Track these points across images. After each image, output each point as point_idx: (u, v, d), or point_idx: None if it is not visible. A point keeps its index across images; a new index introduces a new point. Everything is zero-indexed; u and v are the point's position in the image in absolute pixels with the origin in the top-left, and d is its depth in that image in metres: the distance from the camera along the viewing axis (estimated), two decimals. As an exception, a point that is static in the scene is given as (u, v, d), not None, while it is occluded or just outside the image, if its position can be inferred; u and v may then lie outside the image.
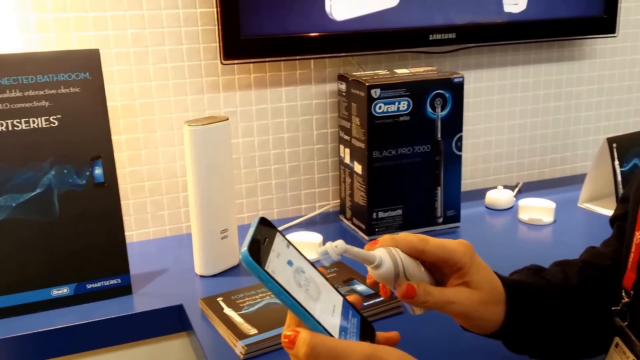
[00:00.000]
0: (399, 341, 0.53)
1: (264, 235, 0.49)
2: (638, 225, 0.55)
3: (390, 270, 0.54)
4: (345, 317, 0.51)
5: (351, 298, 0.54)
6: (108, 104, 0.88)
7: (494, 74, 1.36)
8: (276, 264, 0.47)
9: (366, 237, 1.13)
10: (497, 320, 0.59)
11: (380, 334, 0.53)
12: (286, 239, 0.51)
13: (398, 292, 0.55)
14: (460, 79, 1.10)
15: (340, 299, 0.53)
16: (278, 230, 0.51)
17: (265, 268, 0.46)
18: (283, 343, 0.48)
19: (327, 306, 0.50)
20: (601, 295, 0.62)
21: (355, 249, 0.52)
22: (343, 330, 0.50)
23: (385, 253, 0.54)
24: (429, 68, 1.17)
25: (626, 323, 0.55)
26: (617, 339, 0.56)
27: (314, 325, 0.48)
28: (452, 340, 0.78)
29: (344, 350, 0.47)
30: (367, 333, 0.52)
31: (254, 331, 0.81)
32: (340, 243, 0.51)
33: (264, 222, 0.50)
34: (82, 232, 0.90)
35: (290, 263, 0.49)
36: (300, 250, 0.53)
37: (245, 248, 0.45)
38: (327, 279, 0.53)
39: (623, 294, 0.57)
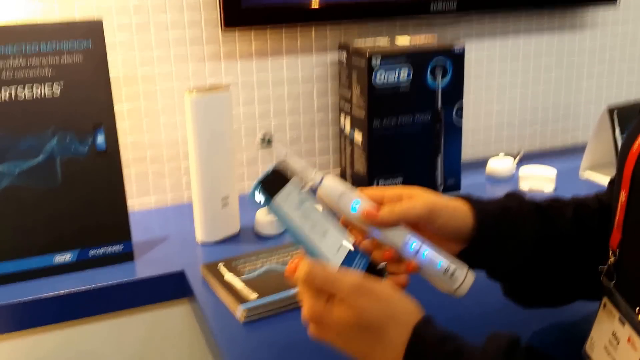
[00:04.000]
0: (407, 285, 0.56)
1: (277, 175, 0.54)
2: (623, 184, 0.55)
3: (334, 195, 0.58)
4: (352, 257, 0.54)
5: (364, 244, 0.58)
6: (110, 74, 0.89)
7: (495, 44, 1.36)
8: (286, 200, 0.52)
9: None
10: (467, 218, 0.61)
11: (389, 279, 0.56)
12: (303, 184, 0.56)
13: (361, 215, 0.59)
14: (461, 49, 1.10)
15: (350, 242, 0.56)
16: (293, 177, 0.55)
17: (275, 199, 0.50)
18: (287, 272, 0.53)
19: (334, 244, 0.54)
20: (589, 229, 0.64)
21: (297, 161, 0.57)
22: (346, 265, 0.53)
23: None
24: (430, 37, 1.17)
25: (613, 283, 0.56)
26: (605, 300, 0.57)
27: (315, 254, 0.52)
28: (448, 307, 0.80)
29: (339, 274, 0.51)
30: (374, 275, 0.55)
31: (254, 295, 0.82)
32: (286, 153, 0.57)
33: (279, 167, 0.54)
34: (85, 199, 0.91)
35: (301, 202, 0.53)
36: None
37: (257, 180, 0.50)
38: (341, 223, 0.57)
39: (610, 253, 0.58)
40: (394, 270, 0.61)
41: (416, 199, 0.61)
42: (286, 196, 0.52)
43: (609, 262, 0.57)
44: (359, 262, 0.55)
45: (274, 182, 0.53)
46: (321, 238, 0.53)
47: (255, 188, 0.50)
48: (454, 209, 0.62)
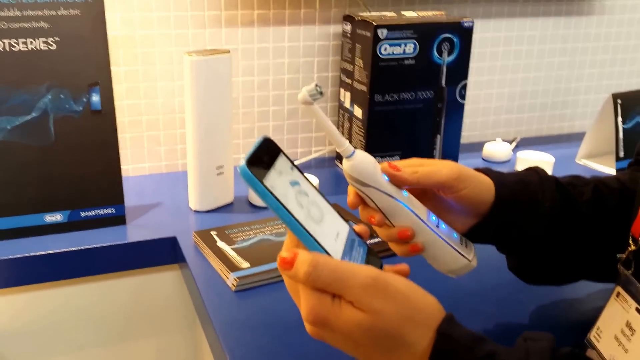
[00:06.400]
0: (408, 274, 0.50)
1: (266, 152, 0.47)
2: None
3: (369, 163, 0.54)
4: (350, 245, 0.49)
5: (358, 228, 0.52)
6: (108, 33, 0.86)
7: (501, 25, 1.34)
8: (277, 181, 0.45)
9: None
10: (490, 191, 0.60)
11: (388, 267, 0.50)
12: (291, 161, 0.49)
13: (386, 166, 0.56)
14: (470, 24, 1.08)
15: (347, 227, 0.51)
16: (282, 152, 0.48)
17: (264, 182, 0.44)
18: (280, 265, 0.45)
19: (330, 231, 0.48)
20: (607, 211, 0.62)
21: (328, 122, 0.52)
22: (346, 256, 0.47)
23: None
24: (438, 12, 1.15)
25: (630, 271, 0.55)
26: (618, 288, 0.56)
27: (314, 245, 0.45)
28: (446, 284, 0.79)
29: (348, 272, 0.44)
30: (373, 264, 0.49)
31: (246, 265, 0.81)
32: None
33: (268, 141, 0.47)
34: (78, 159, 0.89)
35: (293, 184, 0.47)
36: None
37: (244, 161, 0.43)
38: (333, 206, 0.51)
39: (630, 241, 0.56)
40: (398, 251, 0.59)
41: (442, 165, 0.59)
42: (277, 176, 0.45)
43: (629, 250, 0.55)
44: (359, 249, 0.50)
45: (263, 158, 0.46)
46: (317, 224, 0.46)
47: (243, 167, 0.43)
48: (479, 180, 0.60)
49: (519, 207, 0.61)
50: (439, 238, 0.57)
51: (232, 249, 0.85)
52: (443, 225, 0.59)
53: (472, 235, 0.62)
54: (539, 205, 0.61)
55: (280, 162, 0.47)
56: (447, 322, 0.45)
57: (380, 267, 0.49)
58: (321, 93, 0.50)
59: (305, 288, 0.45)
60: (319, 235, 0.46)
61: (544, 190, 0.62)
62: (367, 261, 0.49)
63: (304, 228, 0.45)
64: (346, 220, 0.51)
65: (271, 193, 0.44)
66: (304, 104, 0.50)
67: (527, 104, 1.43)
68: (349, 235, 0.50)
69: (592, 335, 0.56)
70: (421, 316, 0.45)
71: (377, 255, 0.50)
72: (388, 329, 0.43)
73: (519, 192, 0.61)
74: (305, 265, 0.44)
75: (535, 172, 0.65)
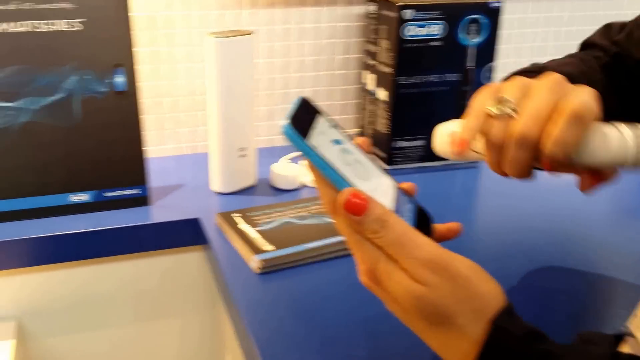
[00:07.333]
0: (459, 232, 0.48)
1: (306, 112, 0.45)
2: None
3: None
4: (398, 202, 0.46)
5: (405, 186, 0.49)
6: (131, 13, 0.86)
7: (527, 6, 1.31)
8: (320, 140, 0.44)
9: (385, 167, 1.12)
10: None
11: (439, 225, 0.48)
12: (330, 120, 0.47)
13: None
14: (498, 4, 1.05)
15: (393, 184, 0.48)
16: (322, 111, 0.47)
17: (307, 140, 0.42)
18: (346, 207, 0.42)
19: (378, 188, 0.46)
20: None
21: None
22: (397, 212, 0.45)
23: None
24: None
25: None
26: None
27: None
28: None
29: (412, 242, 0.42)
30: (423, 222, 0.47)
31: (270, 247, 0.80)
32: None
33: (306, 102, 0.46)
34: (103, 139, 0.89)
35: (336, 142, 0.45)
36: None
37: (287, 120, 0.42)
38: (375, 163, 0.48)
39: None
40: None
41: None
42: (319, 135, 0.44)
43: None
44: (407, 206, 0.47)
45: (304, 118, 0.44)
46: (365, 181, 0.44)
47: (286, 126, 0.42)
48: None
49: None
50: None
51: (256, 230, 0.85)
52: None
53: None
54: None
55: (321, 122, 0.46)
56: (505, 313, 0.42)
57: (429, 224, 0.47)
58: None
59: (363, 240, 0.43)
60: (368, 193, 0.44)
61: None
62: (417, 218, 0.47)
63: (351, 184, 0.43)
64: (392, 178, 0.49)
65: (317, 152, 0.43)
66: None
67: (553, 87, 1.41)
68: (396, 192, 0.48)
69: (633, 323, 0.55)
70: (478, 302, 0.42)
71: (427, 213, 0.48)
72: (438, 305, 0.41)
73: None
74: (372, 219, 0.42)
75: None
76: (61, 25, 0.83)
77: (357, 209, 0.42)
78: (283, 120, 0.42)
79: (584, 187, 0.53)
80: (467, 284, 0.41)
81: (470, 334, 0.41)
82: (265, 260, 0.77)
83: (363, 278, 0.45)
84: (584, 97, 0.48)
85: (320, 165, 0.43)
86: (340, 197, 0.42)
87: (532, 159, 0.49)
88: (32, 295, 0.91)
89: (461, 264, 0.42)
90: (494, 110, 0.51)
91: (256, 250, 0.80)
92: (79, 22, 0.84)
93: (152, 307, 0.99)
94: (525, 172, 0.51)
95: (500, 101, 0.50)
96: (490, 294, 0.42)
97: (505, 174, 0.53)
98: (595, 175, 0.53)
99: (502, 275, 0.76)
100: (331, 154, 0.44)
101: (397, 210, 0.45)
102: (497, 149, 0.51)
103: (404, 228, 0.42)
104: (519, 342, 0.40)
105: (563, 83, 0.49)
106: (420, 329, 0.43)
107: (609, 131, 0.49)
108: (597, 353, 0.41)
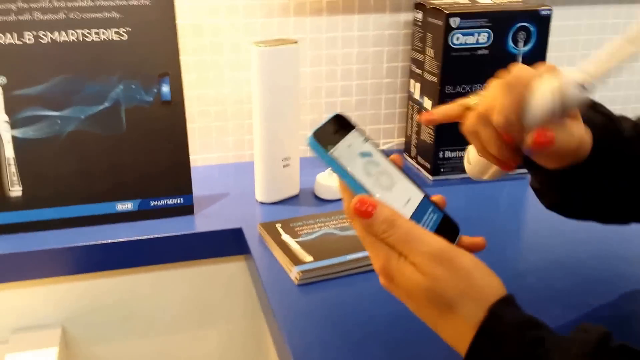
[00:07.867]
0: (483, 247, 0.50)
1: (337, 126, 0.49)
2: None
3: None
4: (422, 211, 0.49)
5: (435, 198, 0.52)
6: (177, 21, 0.87)
7: (582, 12, 1.27)
8: (345, 152, 0.48)
9: (430, 177, 1.10)
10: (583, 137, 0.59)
11: (465, 238, 0.50)
12: (365, 136, 0.51)
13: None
14: (548, 12, 1.02)
15: (421, 195, 0.51)
16: (357, 127, 0.51)
17: (330, 152, 0.47)
18: (356, 211, 0.46)
19: (400, 197, 0.49)
20: None
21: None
22: (416, 220, 0.48)
23: None
24: (514, 0, 1.10)
25: None
26: None
27: None
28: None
29: (418, 238, 0.46)
30: (447, 232, 0.49)
31: (309, 258, 0.80)
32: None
33: (339, 117, 0.50)
34: (148, 149, 0.90)
35: (363, 155, 0.49)
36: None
37: (312, 132, 0.47)
38: (408, 176, 0.51)
39: None
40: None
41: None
42: (345, 147, 0.48)
43: None
44: (432, 215, 0.50)
45: (333, 131, 0.49)
46: (385, 190, 0.48)
47: (311, 137, 0.46)
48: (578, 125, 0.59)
49: (612, 158, 0.61)
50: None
51: (296, 241, 0.84)
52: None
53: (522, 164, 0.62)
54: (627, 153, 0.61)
55: (352, 136, 0.50)
56: (502, 302, 0.45)
57: (457, 235, 0.50)
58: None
59: (376, 240, 0.47)
60: (384, 200, 0.47)
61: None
62: (439, 229, 0.49)
63: (369, 192, 0.47)
64: (422, 190, 0.52)
65: (336, 162, 0.47)
66: None
67: (609, 95, 1.36)
68: (422, 202, 0.50)
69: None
70: (478, 293, 0.45)
71: (455, 225, 0.50)
72: (443, 295, 0.45)
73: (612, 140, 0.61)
74: (381, 221, 0.46)
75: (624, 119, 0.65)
76: (109, 34, 0.85)
77: (365, 213, 0.46)
78: (309, 132, 0.47)
79: (534, 147, 0.55)
80: (468, 277, 0.45)
81: (470, 321, 0.44)
82: (304, 272, 0.77)
83: (380, 279, 0.49)
84: (516, 68, 0.56)
85: (341, 174, 0.47)
86: (352, 203, 0.47)
87: (497, 134, 0.56)
88: (77, 302, 0.93)
89: (464, 257, 0.46)
90: (470, 102, 0.60)
91: (296, 261, 0.79)
92: (126, 31, 0.85)
93: (194, 316, 0.99)
94: (502, 150, 0.57)
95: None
96: (490, 285, 0.46)
97: (491, 158, 0.59)
98: (543, 131, 0.55)
99: (543, 286, 0.74)
100: (354, 165, 0.48)
101: (418, 218, 0.48)
102: (473, 134, 0.58)
103: (411, 227, 0.46)
104: (511, 328, 0.43)
105: (517, 69, 0.57)
106: (432, 321, 0.47)
107: (538, 88, 0.54)
108: (585, 339, 0.43)
